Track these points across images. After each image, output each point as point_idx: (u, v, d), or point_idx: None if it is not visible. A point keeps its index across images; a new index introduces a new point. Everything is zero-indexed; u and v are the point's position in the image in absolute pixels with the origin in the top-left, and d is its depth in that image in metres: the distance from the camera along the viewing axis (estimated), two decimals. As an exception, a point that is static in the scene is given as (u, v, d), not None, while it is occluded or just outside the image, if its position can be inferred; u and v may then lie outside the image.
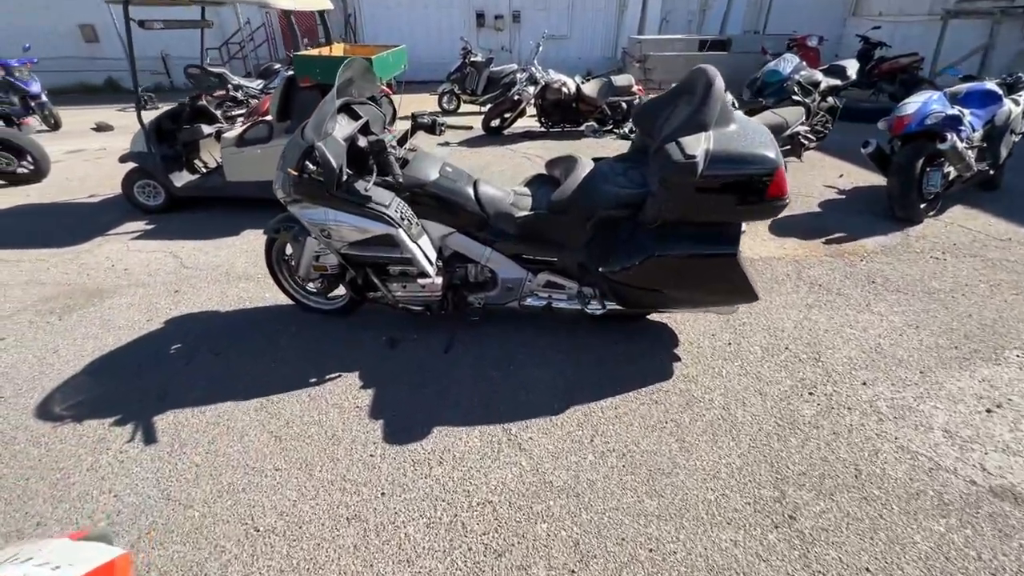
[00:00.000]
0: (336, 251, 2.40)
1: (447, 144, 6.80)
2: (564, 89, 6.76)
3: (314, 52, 4.32)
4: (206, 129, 4.90)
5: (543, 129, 7.31)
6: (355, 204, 2.16)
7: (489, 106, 8.49)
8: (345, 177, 2.18)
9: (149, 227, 4.35)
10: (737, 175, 2.00)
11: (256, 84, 7.54)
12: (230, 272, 3.52)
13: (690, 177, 1.93)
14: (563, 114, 7.15)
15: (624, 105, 7.16)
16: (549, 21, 12.55)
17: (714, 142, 2.01)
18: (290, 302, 2.97)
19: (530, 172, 6.32)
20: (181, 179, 4.51)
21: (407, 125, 2.69)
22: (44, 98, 8.31)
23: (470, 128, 2.72)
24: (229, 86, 7.49)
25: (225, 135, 4.27)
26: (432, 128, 2.50)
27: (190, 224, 4.37)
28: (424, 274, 2.39)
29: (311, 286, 2.85)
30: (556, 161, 2.66)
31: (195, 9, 4.64)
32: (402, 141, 2.50)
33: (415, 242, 2.30)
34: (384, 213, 2.18)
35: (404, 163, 2.38)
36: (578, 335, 2.72)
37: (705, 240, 2.15)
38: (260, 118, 4.53)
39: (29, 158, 5.41)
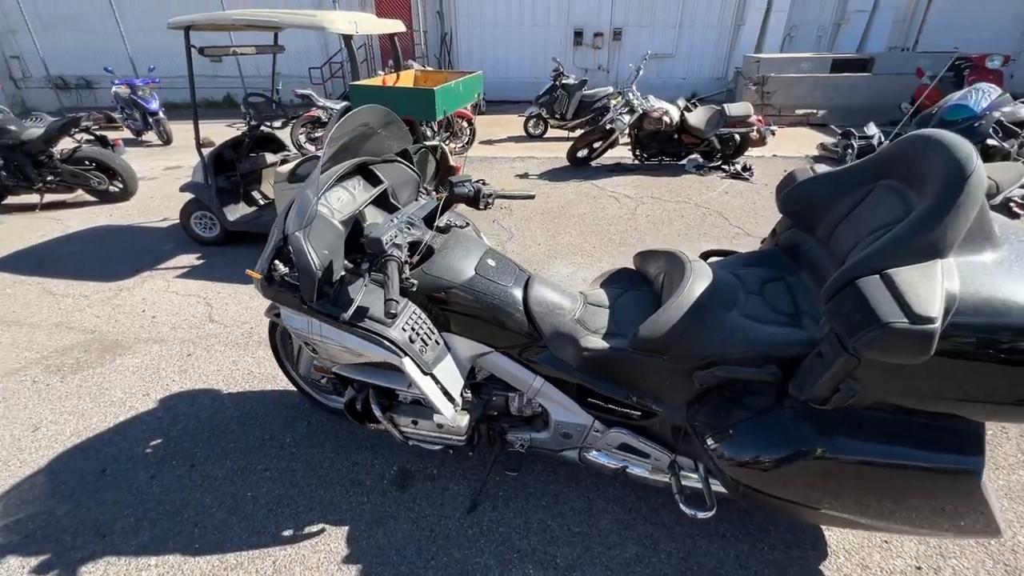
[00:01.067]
0: (327, 369, 1.75)
1: (526, 176, 6.13)
2: (665, 119, 5.82)
3: (375, 81, 3.83)
4: (269, 158, 4.64)
5: (636, 162, 6.39)
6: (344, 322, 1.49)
7: (579, 132, 7.75)
8: (338, 275, 1.52)
9: (198, 262, 4.10)
10: (1010, 346, 1.04)
11: (340, 106, 7.41)
12: (252, 333, 3.05)
13: (916, 354, 1.01)
14: (662, 146, 6.18)
15: (737, 137, 6.04)
16: (653, 38, 11.55)
17: (962, 280, 1.07)
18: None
19: (617, 215, 5.52)
20: (235, 212, 4.23)
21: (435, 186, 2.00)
22: (161, 115, 8.88)
23: (531, 197, 1.98)
24: (315, 107, 7.46)
25: (278, 169, 3.90)
26: (475, 200, 1.78)
27: (238, 262, 4.05)
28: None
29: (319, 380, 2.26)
30: (651, 256, 1.80)
31: (269, 34, 4.39)
32: (430, 220, 1.80)
33: (429, 373, 1.57)
34: (384, 336, 1.48)
35: (429, 252, 1.68)
36: (660, 514, 1.84)
37: (920, 441, 1.20)
38: (317, 150, 4.13)
39: (119, 178, 5.54)
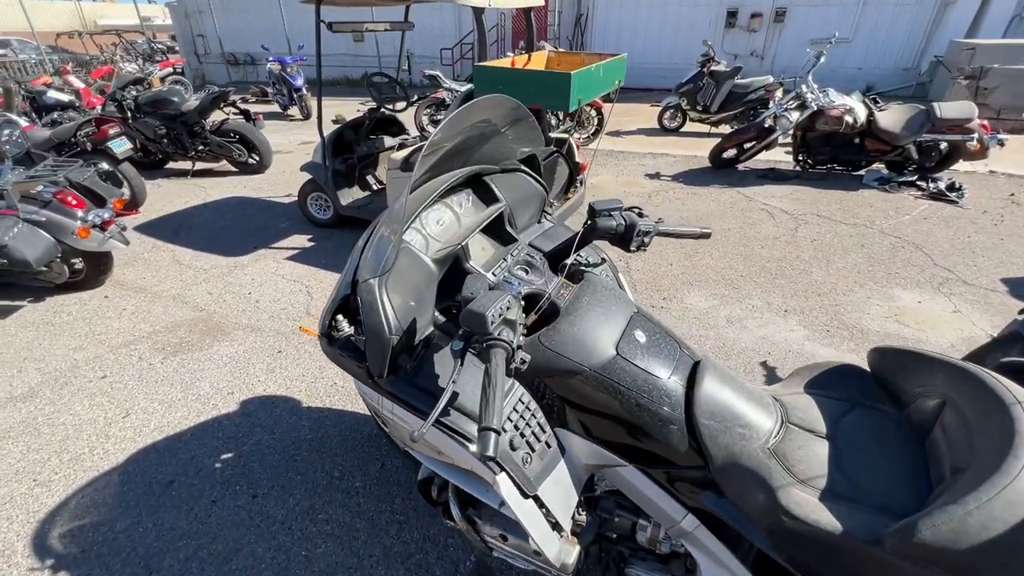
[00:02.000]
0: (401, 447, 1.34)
1: (657, 176, 5.37)
2: (847, 119, 4.67)
3: (503, 62, 3.38)
4: (388, 142, 4.46)
5: (797, 169, 5.29)
6: (420, 411, 1.05)
7: (723, 128, 6.75)
8: (423, 335, 1.08)
9: (308, 244, 4.04)
10: None
11: (464, 88, 7.16)
12: (343, 336, 2.82)
13: None
14: (835, 151, 5.03)
15: (944, 146, 4.69)
16: (826, 19, 9.80)
17: None
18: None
19: (771, 235, 4.46)
20: (348, 196, 4.11)
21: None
22: (304, 91, 9.38)
23: (707, 236, 1.36)
24: (442, 88, 7.32)
25: (392, 155, 3.65)
26: (626, 238, 1.23)
27: (344, 249, 3.91)
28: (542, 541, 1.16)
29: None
30: (908, 360, 1.09)
31: (399, 10, 4.15)
32: (558, 254, 1.29)
33: (531, 495, 1.08)
34: (470, 439, 1.01)
35: (552, 310, 1.17)
36: None
37: None
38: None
39: (257, 151, 5.81)
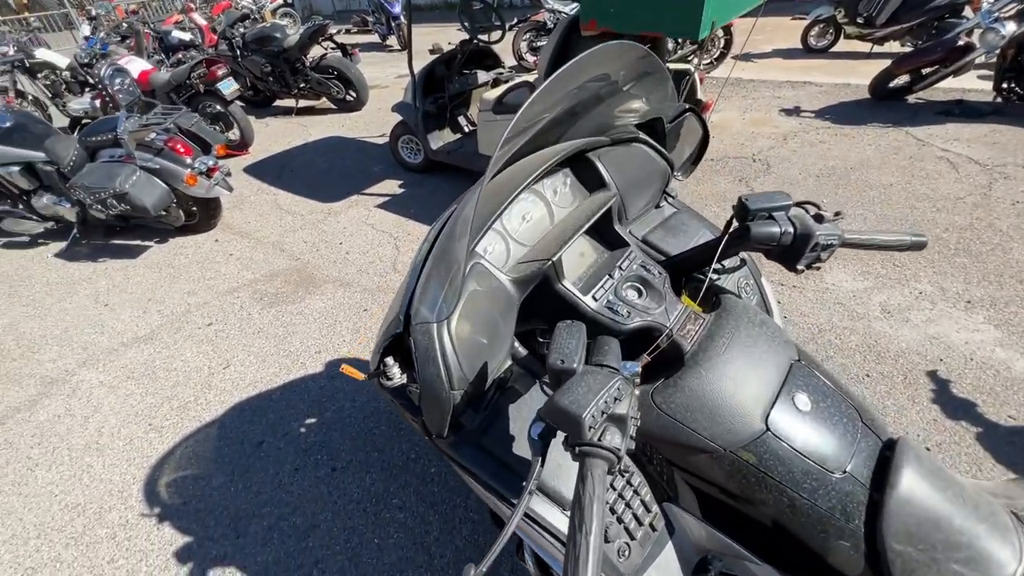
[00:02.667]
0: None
1: (797, 111, 4.45)
2: (1096, 29, 3.39)
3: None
4: (481, 77, 4.08)
5: (997, 101, 4.06)
6: (483, 482, 0.81)
7: (898, 49, 5.41)
8: (496, 377, 0.83)
9: (399, 191, 3.93)
10: None
11: (569, 8, 6.38)
12: (427, 297, 2.70)
13: None
14: (1062, 77, 3.74)
15: None
16: None
17: None
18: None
19: (952, 193, 3.47)
20: (438, 140, 3.87)
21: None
22: (402, 19, 9.06)
23: (920, 246, 0.90)
24: (543, 9, 6.60)
25: (484, 95, 3.31)
26: (793, 253, 0.85)
27: (434, 198, 3.74)
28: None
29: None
30: None
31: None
32: (679, 271, 0.92)
33: (628, 590, 0.83)
34: (550, 529, 0.77)
35: (675, 353, 0.84)
36: None
37: None
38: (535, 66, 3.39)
39: (353, 87, 5.72)
